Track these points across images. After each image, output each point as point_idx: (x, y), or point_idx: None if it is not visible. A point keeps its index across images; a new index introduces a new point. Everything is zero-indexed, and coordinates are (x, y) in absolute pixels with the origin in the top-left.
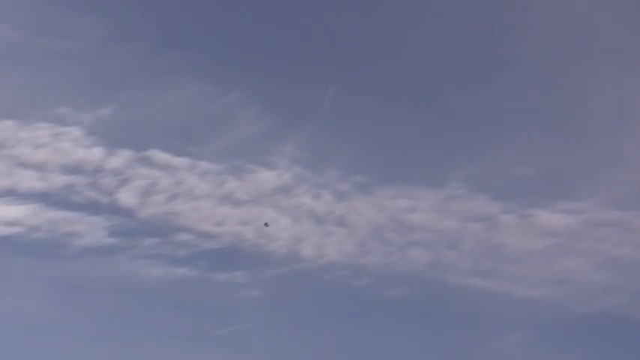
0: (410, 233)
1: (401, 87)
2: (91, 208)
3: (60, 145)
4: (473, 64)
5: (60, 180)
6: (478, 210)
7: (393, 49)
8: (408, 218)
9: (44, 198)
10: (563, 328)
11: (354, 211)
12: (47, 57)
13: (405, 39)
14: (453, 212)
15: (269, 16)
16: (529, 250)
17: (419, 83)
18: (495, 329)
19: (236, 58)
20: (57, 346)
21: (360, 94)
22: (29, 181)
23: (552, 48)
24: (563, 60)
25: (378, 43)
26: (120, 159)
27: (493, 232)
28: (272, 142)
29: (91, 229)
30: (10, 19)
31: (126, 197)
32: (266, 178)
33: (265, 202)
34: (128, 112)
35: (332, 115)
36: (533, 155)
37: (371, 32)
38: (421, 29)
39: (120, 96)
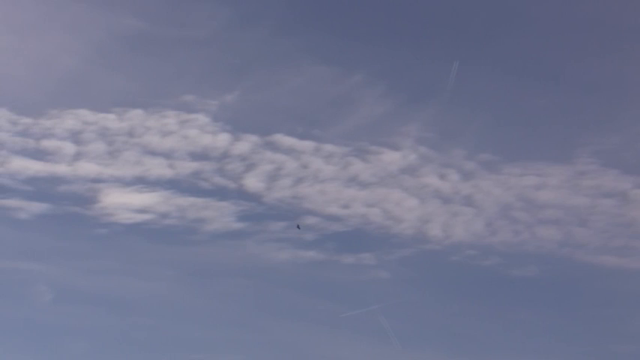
0: (539, 211)
1: (527, 61)
2: (219, 193)
3: (187, 132)
4: (602, 36)
5: (188, 167)
6: (609, 185)
7: (519, 22)
8: (536, 196)
9: (173, 185)
10: None
11: (481, 190)
12: (172, 45)
13: (531, 10)
14: (583, 188)
15: None
16: None
17: (546, 56)
18: (630, 307)
19: (358, 39)
20: (188, 329)
21: (484, 70)
22: (158, 168)
23: None
24: None
25: (503, 16)
26: (246, 144)
27: (625, 208)
28: (396, 123)
29: (220, 215)
30: (135, 10)
31: (253, 182)
32: (391, 159)
33: (391, 184)
34: (252, 97)
35: (457, 92)
36: None
37: (495, 4)
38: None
39: (244, 81)
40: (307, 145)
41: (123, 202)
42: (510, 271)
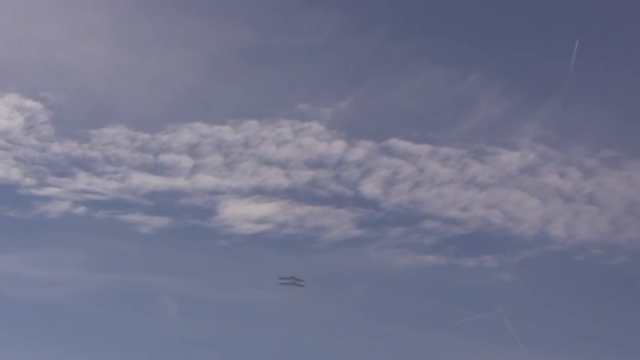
0: None
1: None
2: (336, 201)
3: (302, 140)
4: None
5: (304, 175)
6: None
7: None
8: None
9: (290, 194)
10: None
11: (604, 188)
12: (286, 55)
13: None
14: None
15: None
16: None
17: None
18: None
19: (473, 39)
20: (312, 337)
21: (602, 66)
22: (275, 178)
23: None
24: None
25: (621, 10)
26: (361, 150)
27: None
28: (514, 122)
29: (338, 222)
30: (250, 21)
31: (369, 188)
32: (509, 159)
33: (510, 184)
34: (367, 102)
35: (574, 89)
36: None
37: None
38: None
39: (358, 87)
40: (423, 148)
41: (242, 213)
42: (639, 270)
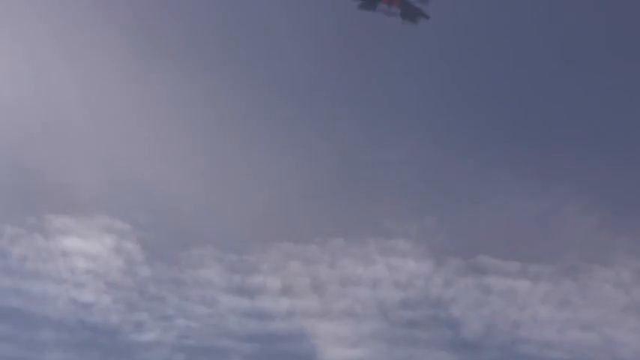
0: None
1: None
2: (426, 325)
3: (389, 259)
4: None
5: (395, 296)
6: None
7: None
8: None
9: (381, 316)
10: None
11: None
12: (369, 169)
13: None
14: None
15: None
16: None
17: None
18: None
19: (558, 148)
20: None
21: None
22: (364, 299)
23: None
24: None
25: None
26: (450, 268)
27: None
28: (605, 237)
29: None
30: (329, 136)
31: (458, 309)
32: (604, 276)
33: (607, 303)
34: (451, 218)
35: None
36: None
37: None
38: None
39: (441, 203)
40: (513, 265)
41: (333, 337)
42: None
